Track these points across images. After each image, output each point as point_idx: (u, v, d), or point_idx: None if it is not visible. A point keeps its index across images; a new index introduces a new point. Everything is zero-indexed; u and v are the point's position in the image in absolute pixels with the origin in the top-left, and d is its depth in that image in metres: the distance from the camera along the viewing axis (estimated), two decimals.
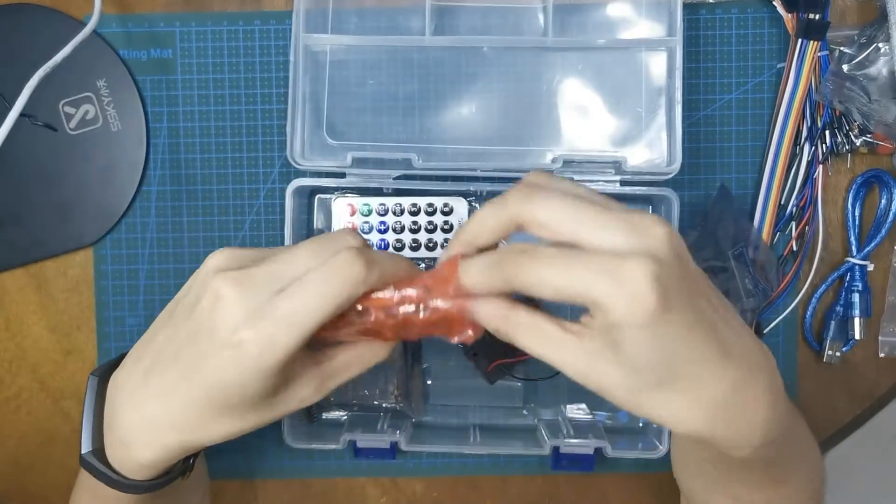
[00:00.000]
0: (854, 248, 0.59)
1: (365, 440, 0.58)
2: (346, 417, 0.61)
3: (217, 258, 0.36)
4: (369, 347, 0.40)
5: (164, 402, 0.37)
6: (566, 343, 0.34)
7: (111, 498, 0.42)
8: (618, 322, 0.31)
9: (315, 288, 0.35)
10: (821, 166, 0.59)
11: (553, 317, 0.35)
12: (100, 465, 0.40)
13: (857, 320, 0.59)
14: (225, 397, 0.36)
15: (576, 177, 0.57)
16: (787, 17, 0.58)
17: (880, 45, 0.57)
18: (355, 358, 0.40)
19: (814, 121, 0.58)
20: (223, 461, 0.61)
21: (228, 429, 0.38)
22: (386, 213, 0.58)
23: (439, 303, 0.37)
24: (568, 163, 0.56)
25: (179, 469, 0.43)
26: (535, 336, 0.35)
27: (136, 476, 0.40)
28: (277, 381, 0.36)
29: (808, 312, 0.60)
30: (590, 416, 0.61)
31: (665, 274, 0.31)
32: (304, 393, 0.38)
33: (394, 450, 0.59)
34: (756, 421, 0.35)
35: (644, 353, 0.32)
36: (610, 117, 0.58)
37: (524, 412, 0.61)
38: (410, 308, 0.38)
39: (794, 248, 0.60)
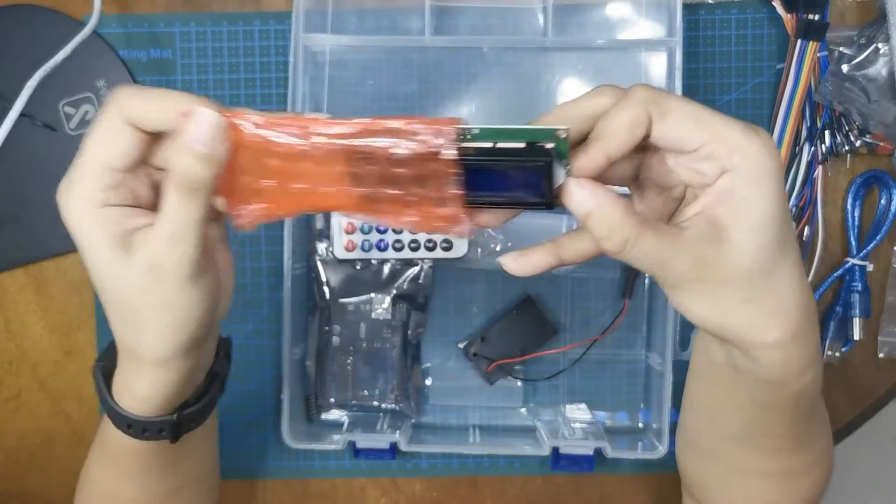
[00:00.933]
0: (854, 249, 0.59)
1: (364, 440, 0.58)
2: (345, 418, 0.61)
3: None
4: None
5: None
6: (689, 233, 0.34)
7: (122, 456, 0.42)
8: (750, 168, 0.33)
9: (91, 134, 0.36)
10: (820, 167, 0.59)
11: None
12: (108, 395, 0.40)
13: (856, 320, 0.59)
14: (107, 291, 0.37)
15: None
16: (787, 18, 0.58)
17: (879, 45, 0.57)
18: None
19: (813, 121, 0.58)
20: (223, 461, 0.61)
21: (141, 335, 0.37)
22: None
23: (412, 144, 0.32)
24: None
25: (170, 425, 0.41)
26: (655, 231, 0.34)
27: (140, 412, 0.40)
28: (108, 237, 0.36)
29: None
30: (590, 417, 0.61)
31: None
32: (145, 253, 0.36)
33: (393, 450, 0.59)
34: (815, 348, 0.37)
35: (769, 208, 0.33)
36: None
37: (524, 412, 0.61)
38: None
39: None
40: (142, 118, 0.35)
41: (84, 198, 0.35)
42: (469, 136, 0.33)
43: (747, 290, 0.34)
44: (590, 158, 0.33)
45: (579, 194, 0.33)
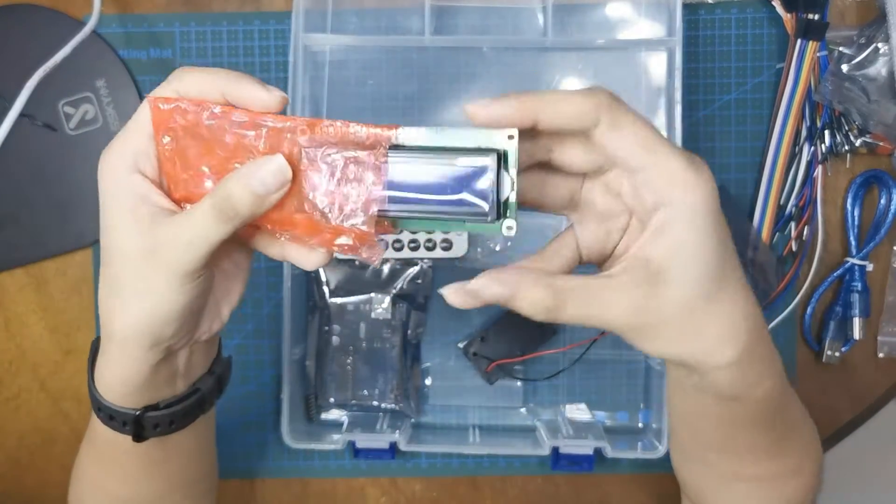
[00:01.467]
0: (853, 248, 0.59)
1: (364, 440, 0.58)
2: (345, 418, 0.61)
3: None
4: None
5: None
6: (621, 285, 0.34)
7: (104, 446, 0.43)
8: (686, 206, 0.32)
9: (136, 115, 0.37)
10: (820, 166, 0.59)
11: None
12: (98, 394, 0.40)
13: (856, 320, 0.59)
14: (110, 252, 0.37)
15: None
16: (787, 18, 0.58)
17: (879, 45, 0.57)
18: None
19: (813, 121, 0.58)
20: (223, 461, 0.61)
21: (118, 312, 0.37)
22: None
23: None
24: None
25: (132, 421, 0.41)
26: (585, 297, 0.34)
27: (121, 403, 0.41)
28: (131, 202, 0.36)
29: (808, 312, 0.60)
30: (589, 417, 0.61)
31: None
32: (161, 234, 0.36)
33: (393, 450, 0.59)
34: (772, 356, 0.38)
35: (704, 245, 0.33)
36: None
37: (524, 412, 0.61)
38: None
39: (794, 249, 0.60)
40: (197, 93, 0.35)
41: (123, 158, 0.36)
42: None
43: (692, 322, 0.34)
44: (520, 109, 0.33)
45: (491, 288, 0.34)
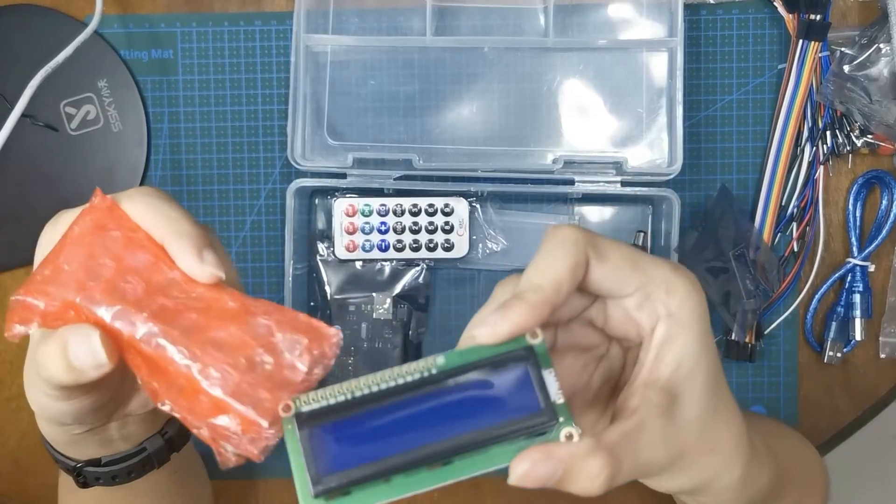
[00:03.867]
0: (855, 249, 0.59)
1: None
2: None
3: None
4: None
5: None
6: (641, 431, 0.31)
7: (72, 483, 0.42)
8: (685, 312, 0.31)
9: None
10: (822, 167, 0.59)
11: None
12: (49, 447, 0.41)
13: (857, 321, 0.59)
14: None
15: (577, 177, 0.57)
16: (788, 18, 0.58)
17: (881, 45, 0.56)
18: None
19: (815, 121, 0.58)
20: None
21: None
22: (387, 213, 0.58)
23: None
24: (569, 163, 0.56)
25: (72, 470, 0.41)
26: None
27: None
28: None
29: (809, 313, 0.60)
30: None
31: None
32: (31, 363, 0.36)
33: None
34: (765, 457, 0.37)
35: (705, 349, 0.32)
36: (611, 118, 0.58)
37: None
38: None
39: (795, 249, 0.59)
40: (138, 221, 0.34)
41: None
42: (436, 371, 0.29)
43: (708, 441, 0.33)
44: (533, 313, 0.29)
45: (540, 468, 0.28)
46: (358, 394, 0.27)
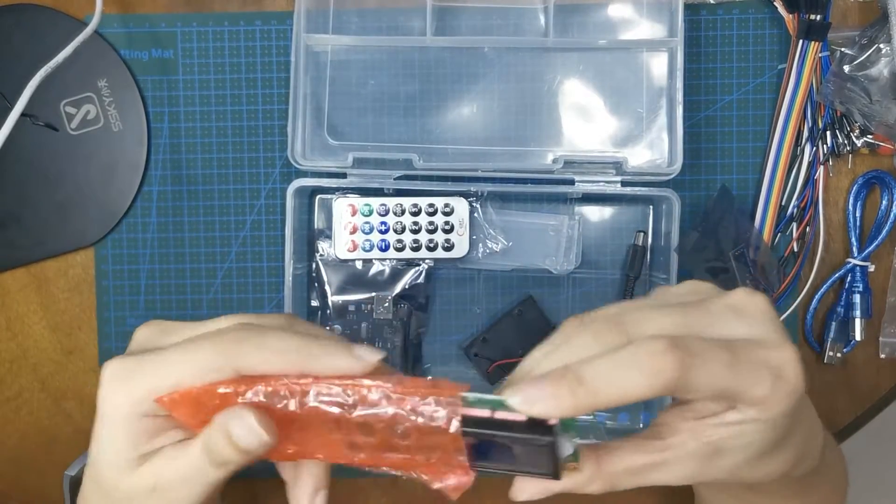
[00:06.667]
0: (855, 249, 0.59)
1: None
2: None
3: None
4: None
5: None
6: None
7: None
8: (772, 416, 0.30)
9: (181, 354, 0.33)
10: (822, 167, 0.59)
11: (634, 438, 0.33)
12: None
13: (857, 321, 0.59)
14: (97, 468, 0.35)
15: (577, 177, 0.57)
16: (788, 18, 0.58)
17: (881, 45, 0.56)
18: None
19: (815, 121, 0.58)
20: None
21: None
22: (387, 213, 0.58)
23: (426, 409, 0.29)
24: (569, 163, 0.56)
25: None
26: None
27: None
28: (131, 446, 0.34)
29: (809, 313, 0.60)
30: (590, 417, 0.61)
31: None
32: (149, 474, 0.35)
33: None
34: (819, 445, 0.37)
35: (781, 434, 0.31)
36: (611, 118, 0.58)
37: None
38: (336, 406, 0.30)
39: (795, 249, 0.59)
40: (249, 369, 0.32)
41: (136, 399, 0.33)
42: (465, 404, 0.30)
43: (752, 468, 0.33)
44: (575, 412, 0.29)
45: (537, 497, 0.32)
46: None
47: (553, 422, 0.29)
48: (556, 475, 0.31)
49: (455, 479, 0.32)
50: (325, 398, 0.31)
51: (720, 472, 0.32)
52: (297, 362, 0.32)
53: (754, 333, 0.31)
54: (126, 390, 0.33)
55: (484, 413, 0.30)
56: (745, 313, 0.31)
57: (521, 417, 0.29)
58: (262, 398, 0.32)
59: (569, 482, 0.31)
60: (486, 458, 0.31)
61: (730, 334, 0.30)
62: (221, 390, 0.32)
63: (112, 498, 0.35)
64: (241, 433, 0.32)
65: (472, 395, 0.30)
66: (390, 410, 0.30)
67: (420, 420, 0.30)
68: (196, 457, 0.33)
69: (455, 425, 0.29)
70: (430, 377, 0.31)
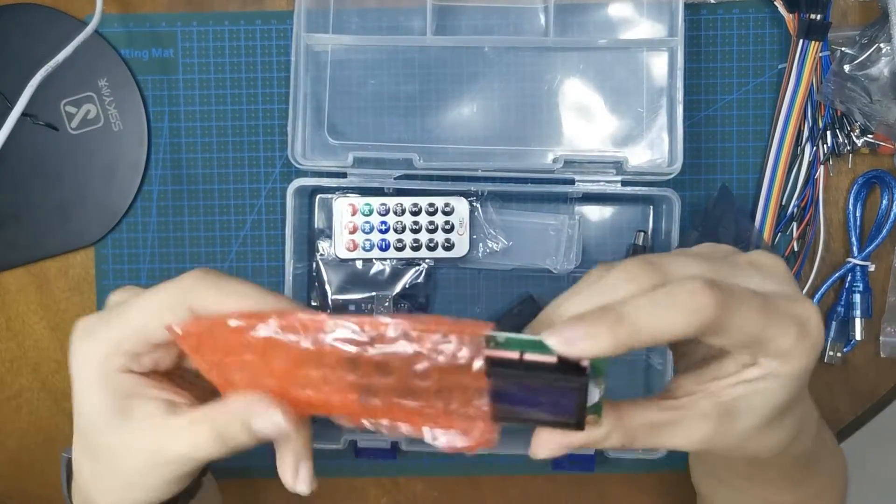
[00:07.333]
0: (855, 249, 0.59)
1: (366, 440, 0.58)
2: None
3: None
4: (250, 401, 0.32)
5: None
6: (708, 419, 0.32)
7: None
8: (793, 371, 0.31)
9: (141, 299, 0.33)
10: (822, 167, 0.59)
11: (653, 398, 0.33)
12: None
13: (857, 321, 0.59)
14: (82, 431, 0.35)
15: (577, 177, 0.57)
16: (789, 18, 0.58)
17: (882, 45, 0.56)
18: (230, 410, 0.32)
19: (815, 121, 0.58)
20: (224, 461, 0.61)
21: (97, 483, 0.36)
22: (387, 212, 0.58)
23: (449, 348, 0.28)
24: (569, 163, 0.56)
25: None
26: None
27: None
28: (110, 401, 0.34)
29: None
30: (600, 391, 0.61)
31: None
32: (146, 438, 0.34)
33: (395, 450, 0.59)
34: (814, 423, 0.37)
35: (794, 395, 0.32)
36: (611, 117, 0.59)
37: None
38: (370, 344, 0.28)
39: (795, 249, 0.59)
40: (203, 308, 0.32)
41: (103, 357, 0.33)
42: (493, 344, 0.29)
43: (756, 439, 0.33)
44: (614, 350, 0.29)
45: (557, 452, 0.31)
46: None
47: (585, 363, 0.28)
48: (580, 424, 0.30)
49: (475, 435, 0.30)
50: (341, 335, 0.29)
51: (732, 437, 0.32)
52: (248, 305, 0.31)
53: (776, 287, 0.31)
54: (93, 345, 0.33)
55: (512, 355, 0.29)
56: (767, 270, 0.32)
57: (551, 359, 0.28)
58: (273, 333, 0.30)
59: (590, 435, 0.31)
60: (508, 405, 0.29)
61: (754, 285, 0.31)
62: (233, 323, 0.31)
63: (101, 459, 0.35)
64: (264, 426, 0.32)
65: (501, 335, 0.29)
66: (410, 349, 0.28)
67: (441, 359, 0.28)
68: (204, 437, 0.33)
69: (479, 364, 0.28)
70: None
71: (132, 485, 0.35)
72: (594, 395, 0.30)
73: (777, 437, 0.33)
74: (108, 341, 0.33)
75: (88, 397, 0.34)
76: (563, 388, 0.29)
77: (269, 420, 0.32)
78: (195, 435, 0.33)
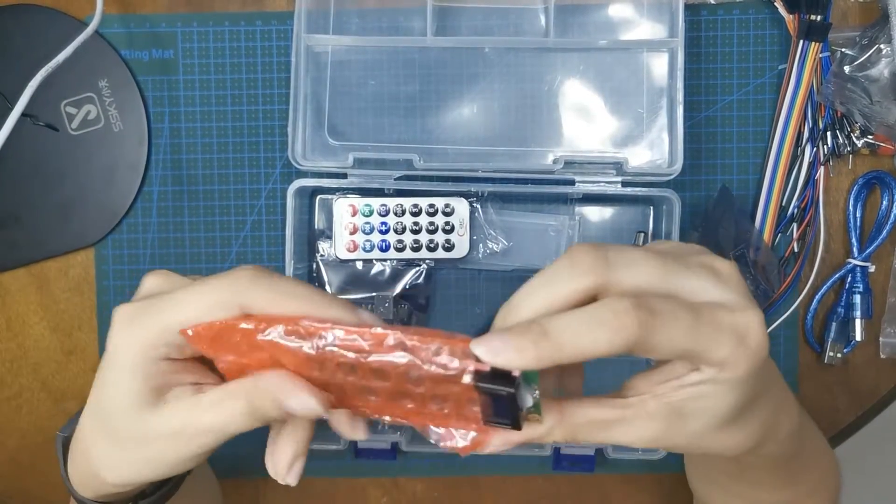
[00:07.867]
0: (855, 250, 0.59)
1: (366, 440, 0.58)
2: None
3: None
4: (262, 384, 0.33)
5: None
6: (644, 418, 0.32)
7: None
8: (733, 377, 0.31)
9: (191, 292, 0.33)
10: (822, 167, 0.59)
11: (601, 397, 0.34)
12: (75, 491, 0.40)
13: (858, 322, 0.59)
14: (106, 412, 0.35)
15: (577, 178, 0.57)
16: (789, 19, 0.58)
17: (882, 46, 0.56)
18: (230, 396, 0.34)
19: (815, 122, 0.58)
20: (224, 461, 0.61)
21: (110, 460, 0.36)
22: (387, 213, 0.58)
23: (442, 359, 0.30)
24: (569, 164, 0.56)
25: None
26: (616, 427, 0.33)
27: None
28: (146, 388, 0.34)
29: (809, 314, 0.60)
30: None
31: None
32: (176, 418, 0.34)
33: (395, 450, 0.59)
34: (791, 424, 0.37)
35: (742, 399, 0.32)
36: (611, 118, 0.59)
37: None
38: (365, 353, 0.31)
39: (796, 250, 0.59)
40: (255, 308, 0.33)
41: (148, 345, 0.34)
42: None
43: (718, 435, 0.33)
44: (534, 357, 0.29)
45: (498, 450, 0.33)
46: None
47: (515, 374, 0.30)
48: (516, 425, 0.32)
49: (470, 435, 0.33)
50: (342, 342, 0.31)
51: (684, 437, 0.32)
52: (302, 308, 0.32)
53: (723, 296, 0.31)
54: (138, 332, 0.33)
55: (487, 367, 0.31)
56: (717, 274, 0.32)
57: (486, 368, 0.30)
58: (279, 337, 0.32)
59: (530, 433, 0.32)
60: (491, 412, 0.32)
61: (700, 290, 0.31)
62: (243, 326, 0.32)
63: (121, 440, 0.35)
64: (298, 406, 0.33)
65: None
66: (405, 358, 0.31)
67: (433, 369, 0.31)
68: (239, 409, 0.33)
69: (468, 379, 0.30)
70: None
71: (150, 461, 0.35)
72: (527, 400, 0.31)
73: (736, 438, 0.33)
74: (155, 330, 0.34)
75: (123, 382, 0.34)
76: (498, 395, 0.31)
77: (301, 402, 0.33)
78: (230, 408, 0.34)
